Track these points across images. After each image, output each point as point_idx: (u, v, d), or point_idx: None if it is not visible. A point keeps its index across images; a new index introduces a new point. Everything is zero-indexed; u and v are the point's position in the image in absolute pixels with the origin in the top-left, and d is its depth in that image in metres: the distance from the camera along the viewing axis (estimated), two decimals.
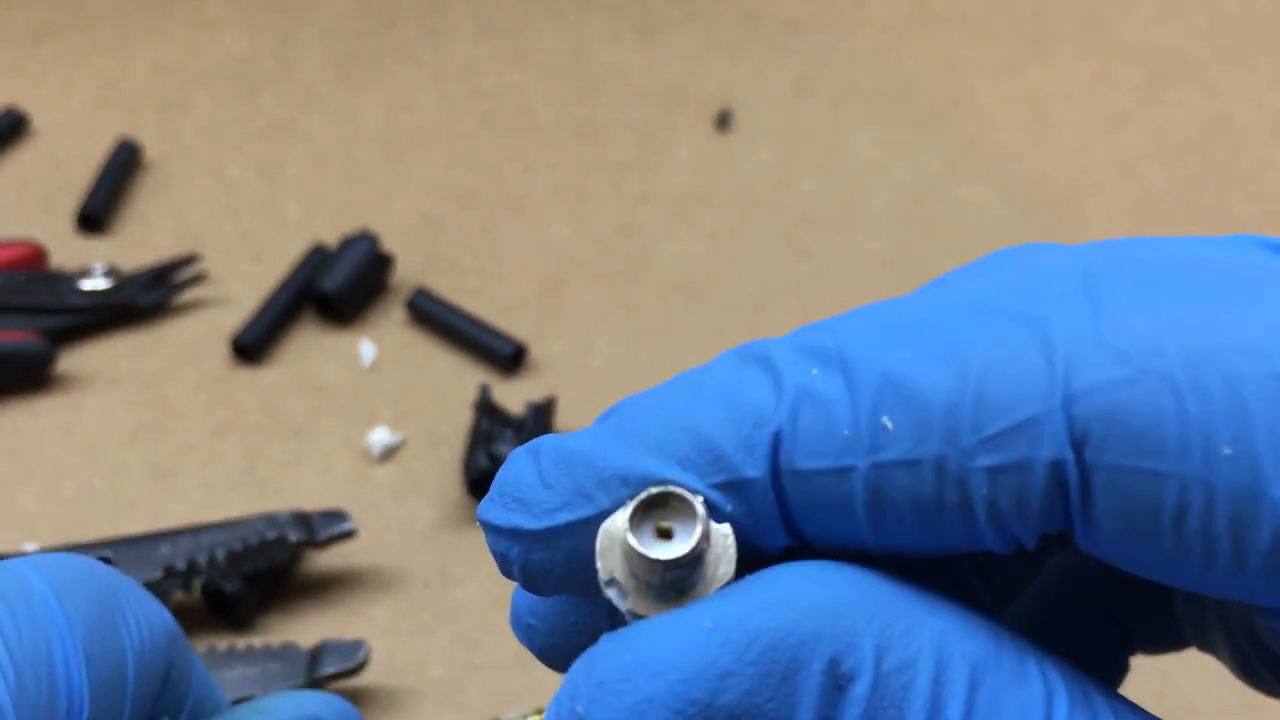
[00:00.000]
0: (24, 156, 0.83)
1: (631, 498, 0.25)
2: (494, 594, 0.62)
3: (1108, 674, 0.33)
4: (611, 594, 0.25)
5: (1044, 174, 0.83)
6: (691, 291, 0.75)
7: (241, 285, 0.75)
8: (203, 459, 0.67)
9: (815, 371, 0.25)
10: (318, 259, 0.75)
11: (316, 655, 0.56)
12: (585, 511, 0.26)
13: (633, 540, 0.25)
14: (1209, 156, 0.84)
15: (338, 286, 0.72)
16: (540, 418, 0.65)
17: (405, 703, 0.58)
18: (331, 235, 0.77)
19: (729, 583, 0.25)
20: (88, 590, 0.34)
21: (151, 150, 0.83)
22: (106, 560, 0.57)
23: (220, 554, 0.58)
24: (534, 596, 0.29)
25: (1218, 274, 0.25)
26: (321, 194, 0.81)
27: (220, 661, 0.56)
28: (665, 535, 0.25)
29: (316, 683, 0.55)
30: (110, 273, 0.73)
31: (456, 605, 0.61)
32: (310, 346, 0.72)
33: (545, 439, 0.27)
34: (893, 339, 0.25)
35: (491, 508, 0.27)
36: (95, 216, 0.78)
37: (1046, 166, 0.83)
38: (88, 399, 0.70)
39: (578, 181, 0.82)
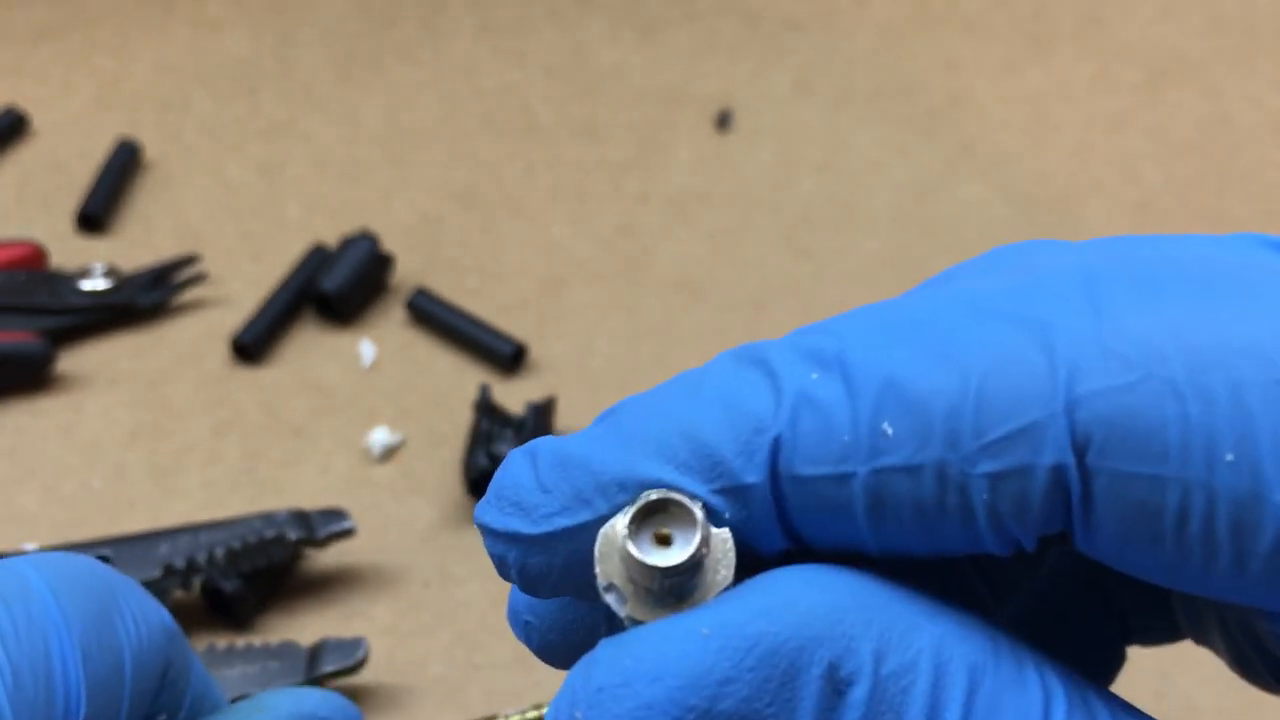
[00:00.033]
0: (24, 156, 0.83)
1: (630, 503, 0.25)
2: (494, 594, 0.62)
3: (1105, 663, 0.33)
4: (610, 599, 0.25)
5: (1044, 174, 0.83)
6: (691, 291, 0.75)
7: (241, 285, 0.75)
8: (203, 459, 0.67)
9: (814, 375, 0.25)
10: (318, 259, 0.75)
11: (316, 653, 0.56)
12: (583, 517, 0.26)
13: (632, 548, 0.24)
14: (1208, 156, 0.84)
15: (338, 286, 0.72)
16: (540, 418, 0.65)
17: (405, 702, 0.58)
18: (331, 235, 0.77)
19: (728, 587, 0.25)
20: (85, 589, 0.34)
21: (151, 150, 0.83)
22: (105, 559, 0.57)
23: (219, 552, 0.58)
24: None
25: (1220, 274, 0.25)
26: (321, 194, 0.81)
27: (219, 660, 0.56)
28: (664, 541, 0.25)
29: (316, 681, 0.55)
30: (110, 273, 0.73)
31: (456, 605, 0.61)
32: (310, 346, 0.72)
33: (542, 441, 0.27)
34: (892, 341, 0.25)
35: (489, 510, 0.27)
36: (95, 216, 0.78)
37: (1046, 166, 0.83)
38: (88, 399, 0.70)
39: (578, 181, 0.82)
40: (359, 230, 0.76)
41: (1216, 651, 0.31)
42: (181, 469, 0.66)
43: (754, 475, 0.25)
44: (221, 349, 0.72)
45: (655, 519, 0.25)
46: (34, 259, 0.74)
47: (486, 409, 0.65)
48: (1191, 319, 0.24)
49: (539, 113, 0.86)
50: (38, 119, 0.85)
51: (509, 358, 0.70)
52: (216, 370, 0.71)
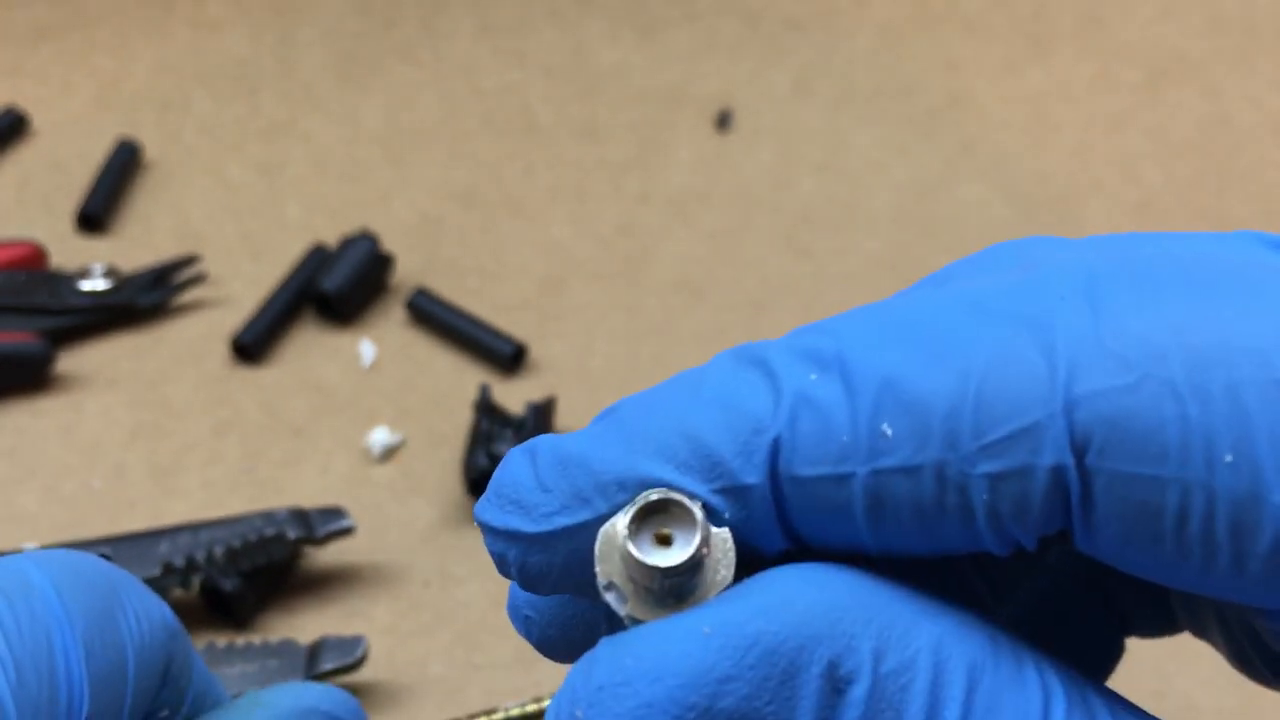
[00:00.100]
0: (24, 156, 0.83)
1: (630, 503, 0.25)
2: (494, 594, 0.62)
3: (1105, 656, 0.33)
4: (610, 598, 0.25)
5: (1044, 174, 0.83)
6: (691, 291, 0.75)
7: (241, 285, 0.75)
8: (203, 459, 0.67)
9: (813, 376, 0.25)
10: (318, 259, 0.75)
11: (315, 651, 0.56)
12: (583, 516, 0.26)
13: (632, 548, 0.24)
14: (1208, 156, 0.84)
15: (338, 286, 0.72)
16: (540, 418, 0.65)
17: (405, 701, 0.58)
18: (331, 235, 0.77)
19: (728, 587, 0.25)
20: (88, 585, 0.34)
21: (151, 150, 0.83)
22: (105, 558, 0.57)
23: (218, 551, 0.58)
24: None
25: (1220, 273, 0.25)
26: (321, 194, 0.81)
27: (219, 658, 0.56)
28: (664, 541, 0.25)
29: (315, 679, 0.55)
30: (110, 273, 0.73)
31: (456, 605, 0.61)
32: (310, 346, 0.72)
33: (541, 439, 0.27)
34: (891, 341, 0.25)
35: (488, 509, 0.27)
36: (95, 216, 0.78)
37: (1046, 166, 0.83)
38: (88, 399, 0.70)
39: (578, 181, 0.82)
40: (359, 230, 0.76)
41: (1215, 647, 0.31)
42: (181, 469, 0.66)
43: (753, 476, 0.25)
44: (221, 349, 0.72)
45: (655, 519, 0.25)
46: (34, 259, 0.74)
47: (486, 409, 0.66)
48: (1191, 318, 0.24)
49: (539, 113, 0.86)
50: (38, 119, 0.85)
51: (509, 358, 0.71)
52: (216, 370, 0.71)
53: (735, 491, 0.25)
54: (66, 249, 0.77)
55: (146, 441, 0.68)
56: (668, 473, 0.25)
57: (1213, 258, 0.26)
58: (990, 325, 0.25)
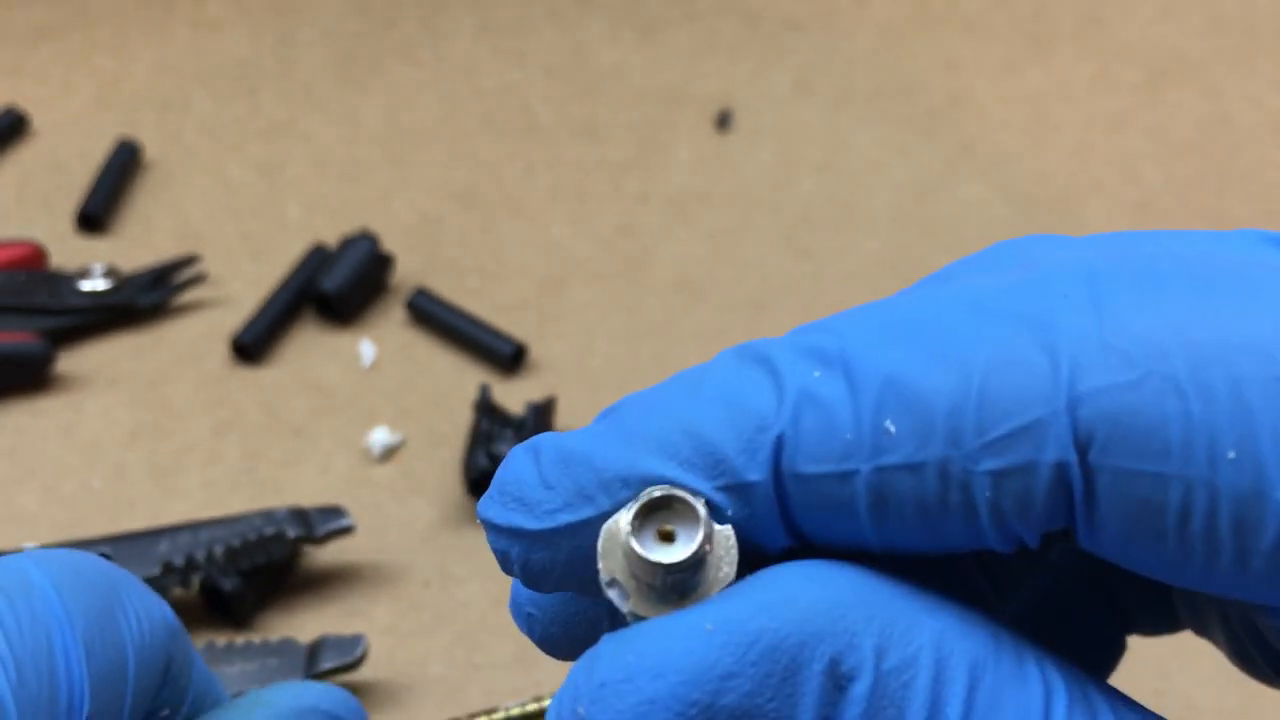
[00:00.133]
0: (24, 156, 0.83)
1: (633, 500, 0.25)
2: (494, 593, 0.62)
3: (1106, 654, 0.33)
4: (613, 595, 0.25)
5: (1044, 174, 0.83)
6: (691, 291, 0.75)
7: (241, 285, 0.75)
8: (203, 459, 0.67)
9: (817, 373, 0.25)
10: (318, 259, 0.75)
11: (315, 650, 0.56)
12: (586, 513, 0.26)
13: (635, 544, 0.25)
14: (1208, 156, 0.84)
15: (338, 286, 0.72)
16: (540, 418, 0.65)
17: (405, 701, 0.58)
18: (331, 235, 0.77)
19: (730, 584, 0.25)
20: (88, 584, 0.34)
21: (151, 150, 0.83)
22: (105, 557, 0.57)
23: (218, 550, 0.58)
24: None
25: (1221, 270, 0.25)
26: (321, 194, 0.81)
27: (219, 657, 0.56)
28: (667, 538, 0.25)
29: (315, 678, 0.55)
30: (110, 273, 0.73)
31: (456, 605, 0.61)
32: (310, 346, 0.72)
33: (544, 437, 0.27)
34: (894, 339, 0.25)
35: (492, 506, 0.27)
36: (95, 216, 0.78)
37: (1046, 166, 0.83)
38: (88, 399, 0.70)
39: (578, 181, 0.82)
40: (359, 230, 0.76)
41: (1217, 645, 0.31)
42: (181, 469, 0.66)
43: (756, 473, 0.25)
44: (221, 349, 0.72)
45: (658, 515, 0.25)
46: (34, 259, 0.74)
47: (486, 409, 0.66)
48: (1193, 316, 0.24)
49: (539, 113, 0.86)
50: (38, 119, 0.85)
51: (509, 358, 0.71)
52: (216, 370, 0.71)
53: (738, 488, 0.25)
54: (66, 249, 0.77)
55: (146, 441, 0.67)
56: (671, 470, 0.25)
57: (1213, 255, 0.26)
58: (992, 324, 0.25)
